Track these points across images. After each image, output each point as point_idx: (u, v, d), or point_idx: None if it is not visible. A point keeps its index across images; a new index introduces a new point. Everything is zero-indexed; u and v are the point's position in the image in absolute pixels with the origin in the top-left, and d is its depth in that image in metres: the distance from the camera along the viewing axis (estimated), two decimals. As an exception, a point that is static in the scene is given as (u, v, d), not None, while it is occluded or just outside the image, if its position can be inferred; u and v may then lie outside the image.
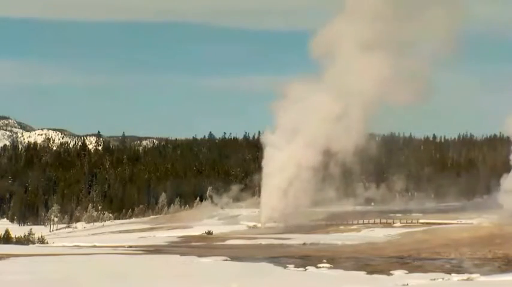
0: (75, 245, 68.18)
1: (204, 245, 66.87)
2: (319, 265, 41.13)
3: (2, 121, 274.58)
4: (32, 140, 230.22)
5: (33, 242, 70.07)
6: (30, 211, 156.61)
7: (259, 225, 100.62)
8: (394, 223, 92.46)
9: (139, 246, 63.73)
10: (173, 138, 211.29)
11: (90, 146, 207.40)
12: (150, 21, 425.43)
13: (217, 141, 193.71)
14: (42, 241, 72.20)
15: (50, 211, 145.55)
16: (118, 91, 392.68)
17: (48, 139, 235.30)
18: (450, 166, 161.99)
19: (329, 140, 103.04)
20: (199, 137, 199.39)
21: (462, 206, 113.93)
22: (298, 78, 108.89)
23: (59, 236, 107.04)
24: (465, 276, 35.75)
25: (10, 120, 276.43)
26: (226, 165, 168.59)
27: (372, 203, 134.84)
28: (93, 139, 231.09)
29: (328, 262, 42.39)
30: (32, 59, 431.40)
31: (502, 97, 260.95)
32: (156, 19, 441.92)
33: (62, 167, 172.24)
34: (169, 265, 40.25)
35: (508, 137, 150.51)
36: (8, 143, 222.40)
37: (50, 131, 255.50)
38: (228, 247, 64.03)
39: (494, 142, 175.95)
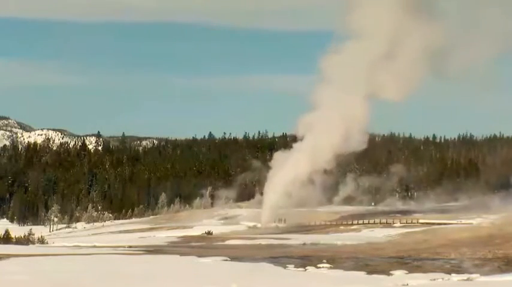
0: (75, 245, 68.17)
1: (204, 246, 66.84)
2: (319, 265, 41.11)
3: (2, 121, 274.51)
4: (32, 140, 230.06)
5: (33, 242, 69.99)
6: (30, 211, 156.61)
7: (259, 225, 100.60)
8: (394, 223, 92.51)
9: (139, 246, 63.71)
10: (173, 138, 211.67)
11: (90, 146, 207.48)
12: (150, 21, 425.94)
13: (217, 141, 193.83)
14: (42, 241, 72.14)
15: (50, 211, 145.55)
16: (118, 91, 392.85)
17: (48, 139, 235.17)
18: (450, 166, 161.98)
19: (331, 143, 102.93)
20: (199, 137, 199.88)
21: (462, 206, 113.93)
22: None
23: (59, 236, 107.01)
24: (465, 276, 35.72)
25: (10, 120, 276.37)
26: (226, 165, 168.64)
27: (372, 203, 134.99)
28: (93, 139, 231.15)
29: (328, 262, 42.37)
30: (32, 59, 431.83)
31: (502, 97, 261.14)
32: (156, 19, 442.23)
33: (62, 167, 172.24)
34: (169, 265, 40.22)
35: (507, 137, 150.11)
36: (8, 143, 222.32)
37: (50, 131, 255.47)
38: (228, 247, 64.00)
39: (494, 142, 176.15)
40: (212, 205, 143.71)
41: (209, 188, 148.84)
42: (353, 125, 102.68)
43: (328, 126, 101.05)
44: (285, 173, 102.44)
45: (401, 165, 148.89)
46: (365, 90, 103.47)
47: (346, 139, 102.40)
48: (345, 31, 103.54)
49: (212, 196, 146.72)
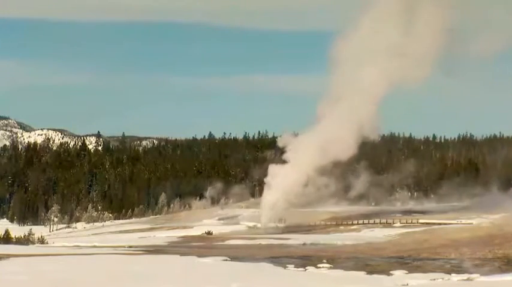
0: (75, 246, 68.19)
1: (204, 245, 66.85)
2: (319, 265, 41.14)
3: (2, 121, 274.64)
4: (32, 140, 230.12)
5: (33, 242, 70.02)
6: (30, 211, 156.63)
7: (259, 225, 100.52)
8: (394, 223, 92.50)
9: (139, 246, 63.74)
10: (173, 138, 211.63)
11: (90, 146, 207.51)
12: (150, 21, 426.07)
13: (217, 141, 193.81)
14: (42, 241, 72.16)
15: (50, 211, 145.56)
16: (118, 91, 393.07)
17: (48, 139, 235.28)
18: (450, 166, 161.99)
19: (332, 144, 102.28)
20: (199, 137, 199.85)
21: (462, 206, 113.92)
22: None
23: (59, 236, 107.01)
24: (465, 276, 35.74)
25: (10, 120, 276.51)
26: (226, 165, 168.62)
27: (372, 203, 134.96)
28: (93, 139, 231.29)
29: (328, 262, 42.40)
30: (32, 59, 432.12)
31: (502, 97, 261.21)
32: (156, 19, 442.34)
33: (62, 167, 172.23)
34: (169, 265, 40.24)
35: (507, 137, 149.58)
36: (8, 143, 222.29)
37: (50, 131, 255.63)
38: (228, 247, 64.03)
39: (494, 142, 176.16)
40: (212, 204, 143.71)
41: (209, 188, 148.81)
42: (366, 114, 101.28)
43: (340, 115, 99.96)
44: (283, 172, 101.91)
45: (402, 165, 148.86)
46: (379, 75, 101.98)
47: (359, 128, 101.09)
48: (357, 14, 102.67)
49: (212, 196, 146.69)
